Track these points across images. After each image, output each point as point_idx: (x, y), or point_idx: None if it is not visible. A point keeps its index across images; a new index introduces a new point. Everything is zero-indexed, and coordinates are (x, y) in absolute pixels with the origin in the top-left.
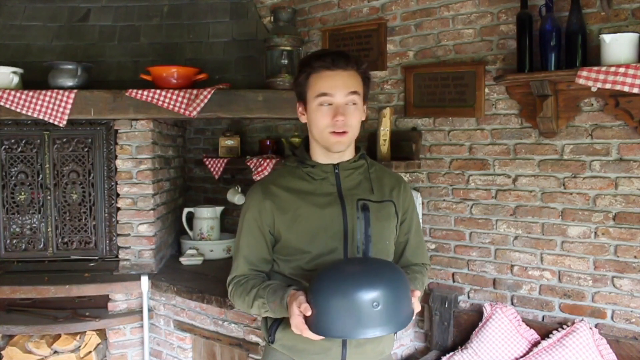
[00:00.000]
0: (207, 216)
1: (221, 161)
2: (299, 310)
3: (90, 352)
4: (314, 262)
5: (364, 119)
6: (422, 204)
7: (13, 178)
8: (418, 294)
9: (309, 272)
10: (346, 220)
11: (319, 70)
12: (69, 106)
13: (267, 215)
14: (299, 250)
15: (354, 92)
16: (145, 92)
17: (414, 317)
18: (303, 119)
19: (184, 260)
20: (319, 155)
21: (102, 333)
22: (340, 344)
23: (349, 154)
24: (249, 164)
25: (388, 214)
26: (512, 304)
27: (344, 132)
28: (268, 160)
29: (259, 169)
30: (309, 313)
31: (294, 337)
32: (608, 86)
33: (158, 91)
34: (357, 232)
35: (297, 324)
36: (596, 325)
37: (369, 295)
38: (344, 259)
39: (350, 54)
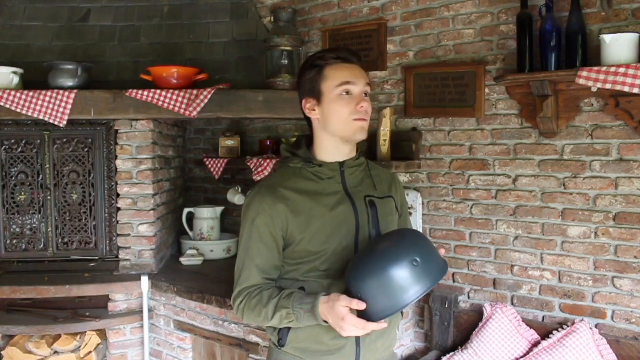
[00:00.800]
0: (207, 216)
1: (221, 161)
2: (348, 309)
3: (90, 352)
4: (327, 262)
5: None
6: (422, 204)
7: (13, 178)
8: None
9: (323, 272)
10: (358, 217)
11: (334, 63)
12: (69, 106)
13: (281, 219)
14: (313, 252)
15: (368, 84)
16: (145, 92)
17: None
18: (314, 115)
19: (184, 260)
20: (325, 154)
21: (102, 333)
22: (354, 342)
23: (353, 152)
24: (249, 164)
25: (391, 209)
26: (512, 304)
27: (365, 120)
28: (268, 160)
29: (259, 169)
30: (363, 306)
31: (306, 338)
32: (608, 86)
33: (158, 91)
34: (367, 228)
35: (355, 323)
36: (596, 325)
37: (406, 258)
38: (365, 246)
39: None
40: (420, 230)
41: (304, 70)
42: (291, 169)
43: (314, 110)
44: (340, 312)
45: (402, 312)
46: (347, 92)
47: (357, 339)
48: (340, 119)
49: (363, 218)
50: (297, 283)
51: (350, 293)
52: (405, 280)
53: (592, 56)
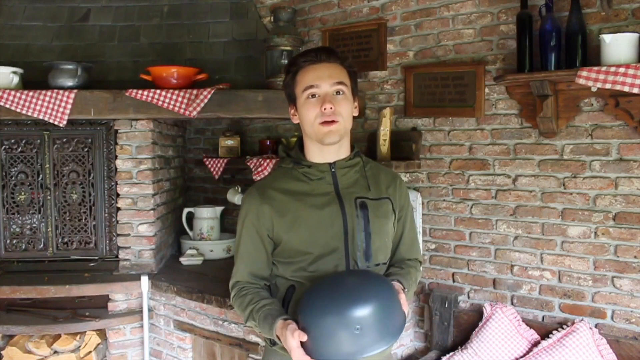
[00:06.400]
0: (207, 216)
1: (221, 161)
2: (296, 341)
3: (90, 352)
4: (315, 263)
5: (356, 114)
6: (422, 204)
7: (13, 178)
8: (403, 296)
9: (312, 274)
10: (346, 219)
11: (304, 66)
12: (69, 106)
13: (266, 220)
14: (300, 252)
15: (340, 83)
16: (145, 92)
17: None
18: (295, 120)
19: (184, 260)
20: (314, 155)
21: (102, 333)
22: None
23: (344, 152)
24: (249, 164)
25: (386, 211)
26: (512, 304)
27: (334, 122)
28: (268, 160)
29: (259, 169)
30: (305, 338)
31: None
32: (608, 86)
33: (158, 91)
34: (356, 231)
35: (299, 356)
36: (596, 325)
37: (349, 323)
38: (324, 280)
39: (334, 49)
40: (420, 230)
41: (285, 77)
42: (283, 169)
43: (295, 115)
44: (289, 342)
45: None
46: (313, 96)
47: None
48: (308, 124)
49: (352, 220)
50: (288, 282)
51: (298, 318)
52: (344, 342)
53: (592, 56)
